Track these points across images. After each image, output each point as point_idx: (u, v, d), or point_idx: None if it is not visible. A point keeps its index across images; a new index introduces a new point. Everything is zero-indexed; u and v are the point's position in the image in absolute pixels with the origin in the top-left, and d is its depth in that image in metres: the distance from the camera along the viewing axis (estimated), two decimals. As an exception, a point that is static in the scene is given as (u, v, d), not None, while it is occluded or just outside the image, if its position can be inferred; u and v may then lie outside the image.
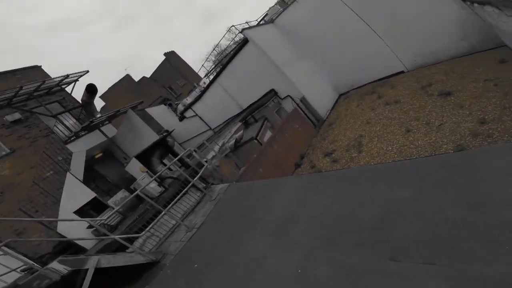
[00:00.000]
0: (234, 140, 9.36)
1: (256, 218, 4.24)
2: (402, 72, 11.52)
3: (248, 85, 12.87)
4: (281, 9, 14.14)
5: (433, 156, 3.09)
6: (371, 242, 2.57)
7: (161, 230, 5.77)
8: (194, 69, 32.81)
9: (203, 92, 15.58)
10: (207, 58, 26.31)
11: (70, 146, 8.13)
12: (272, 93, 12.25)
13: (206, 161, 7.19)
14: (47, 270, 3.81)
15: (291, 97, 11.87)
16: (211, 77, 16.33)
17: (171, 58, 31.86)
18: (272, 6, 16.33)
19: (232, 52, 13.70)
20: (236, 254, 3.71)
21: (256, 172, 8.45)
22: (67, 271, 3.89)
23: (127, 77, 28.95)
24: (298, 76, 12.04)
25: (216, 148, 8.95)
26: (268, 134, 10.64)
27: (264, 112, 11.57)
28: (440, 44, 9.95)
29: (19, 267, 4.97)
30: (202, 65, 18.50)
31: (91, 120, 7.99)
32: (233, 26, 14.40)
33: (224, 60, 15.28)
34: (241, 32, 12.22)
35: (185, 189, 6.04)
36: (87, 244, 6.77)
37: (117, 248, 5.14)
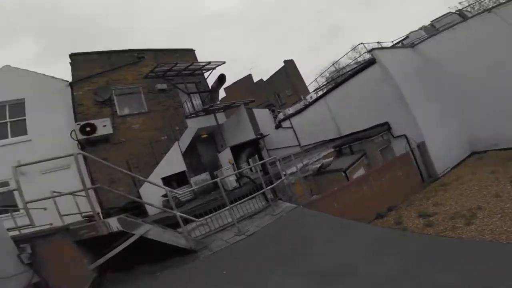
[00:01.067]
0: (320, 165, 8.86)
1: (304, 256, 3.80)
2: None
3: (357, 111, 11.68)
4: (426, 35, 12.30)
5: None
6: None
7: (216, 223, 5.89)
8: (306, 82, 33.30)
9: (307, 106, 15.45)
10: (322, 73, 26.09)
11: (188, 121, 9.78)
12: (384, 127, 10.65)
13: (284, 175, 7.15)
14: (102, 223, 3.93)
15: (406, 138, 10.02)
16: (320, 93, 16.00)
17: (289, 66, 33.17)
18: (415, 31, 14.41)
19: (351, 72, 12.81)
20: (268, 282, 3.36)
21: (329, 205, 7.73)
22: (117, 229, 3.99)
23: (249, 77, 32.38)
24: (424, 116, 10.04)
25: (299, 166, 8.76)
26: (360, 172, 9.49)
27: (365, 146, 10.31)
28: None
29: (86, 212, 5.67)
30: (315, 79, 18.42)
31: (211, 104, 9.35)
32: (361, 43, 13.52)
33: (339, 78, 14.65)
34: (369, 51, 11.21)
35: (255, 194, 6.15)
36: (151, 210, 7.30)
37: (171, 224, 5.15)
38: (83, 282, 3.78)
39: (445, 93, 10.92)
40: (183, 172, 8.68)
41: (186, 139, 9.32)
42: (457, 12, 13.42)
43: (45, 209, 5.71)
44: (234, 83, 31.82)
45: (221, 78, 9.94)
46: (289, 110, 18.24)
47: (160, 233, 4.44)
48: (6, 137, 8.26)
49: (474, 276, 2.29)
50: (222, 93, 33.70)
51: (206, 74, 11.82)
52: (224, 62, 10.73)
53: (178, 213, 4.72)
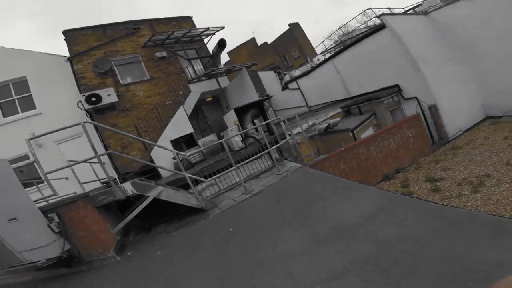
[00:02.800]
0: (327, 124, 8.66)
1: (310, 213, 3.85)
2: None
3: (367, 73, 11.29)
4: (441, 3, 11.59)
5: None
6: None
7: (224, 182, 6.06)
8: (313, 44, 31.72)
9: (314, 68, 14.98)
10: (329, 36, 24.57)
11: (191, 86, 9.68)
12: (394, 89, 10.31)
13: (289, 135, 7.04)
14: (118, 188, 4.13)
15: (417, 100, 9.66)
16: (327, 55, 15.20)
17: (294, 29, 31.77)
18: None
19: (360, 35, 12.15)
20: (268, 239, 3.49)
21: (335, 166, 7.72)
22: (132, 193, 4.22)
23: (252, 40, 31.14)
24: (437, 79, 9.63)
25: (305, 125, 8.59)
26: (368, 132, 9.29)
27: (374, 107, 10.00)
28: None
29: (104, 178, 5.78)
30: (322, 42, 17.42)
31: (212, 69, 9.14)
32: (370, 8, 12.45)
33: (348, 41, 13.81)
34: (378, 16, 10.57)
35: (260, 154, 6.14)
36: (164, 173, 7.49)
37: (182, 185, 5.33)
38: (109, 246, 4.04)
39: (460, 59, 10.41)
40: (191, 134, 8.80)
41: (191, 103, 9.30)
42: None
43: (66, 178, 6.08)
44: (238, 47, 30.62)
45: (221, 43, 9.84)
46: (295, 72, 17.69)
47: (172, 194, 4.62)
48: (17, 112, 8.77)
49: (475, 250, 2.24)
50: (225, 57, 32.58)
51: (206, 40, 11.70)
52: (223, 27, 10.43)
53: (187, 175, 4.82)
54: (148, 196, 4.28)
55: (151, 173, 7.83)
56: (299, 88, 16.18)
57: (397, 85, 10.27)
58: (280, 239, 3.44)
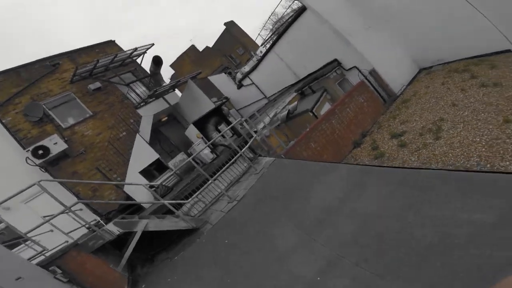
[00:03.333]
0: (286, 111, 8.86)
1: (293, 205, 3.97)
2: (509, 51, 8.55)
3: (307, 54, 11.74)
4: None
5: None
6: (415, 271, 2.02)
7: (208, 196, 6.00)
8: (253, 38, 32.21)
9: (259, 61, 15.22)
10: (264, 26, 25.13)
11: (140, 111, 9.13)
12: (334, 63, 10.89)
13: (255, 132, 7.04)
14: (103, 231, 4.25)
15: (357, 69, 10.34)
16: (268, 46, 15.56)
17: (231, 27, 31.98)
18: None
19: (288, 21, 12.52)
20: (263, 242, 3.60)
21: (307, 147, 7.94)
22: (119, 232, 4.33)
23: (192, 48, 30.48)
24: (367, 46, 10.31)
25: (267, 119, 8.68)
26: (326, 107, 9.72)
27: (323, 83, 10.47)
28: None
29: (88, 223, 5.71)
30: (259, 34, 17.76)
31: (155, 89, 8.70)
32: (288, -9, 12.83)
33: (280, 28, 14.21)
34: None
35: (233, 159, 6.07)
36: (146, 203, 7.33)
37: (169, 210, 5.33)
38: (122, 284, 4.14)
39: (382, 22, 11.05)
40: (158, 159, 8.37)
41: (146, 128, 8.80)
42: None
43: (51, 231, 5.66)
44: (179, 57, 29.84)
45: (156, 60, 9.43)
46: (245, 68, 17.87)
47: (159, 223, 4.74)
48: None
49: (449, 213, 2.35)
50: (170, 72, 31.55)
51: (139, 60, 11.23)
52: (153, 44, 10.03)
53: (166, 202, 4.88)
54: (137, 231, 4.36)
55: (133, 206, 7.62)
56: (253, 83, 16.32)
57: (335, 60, 10.87)
58: (274, 238, 3.51)
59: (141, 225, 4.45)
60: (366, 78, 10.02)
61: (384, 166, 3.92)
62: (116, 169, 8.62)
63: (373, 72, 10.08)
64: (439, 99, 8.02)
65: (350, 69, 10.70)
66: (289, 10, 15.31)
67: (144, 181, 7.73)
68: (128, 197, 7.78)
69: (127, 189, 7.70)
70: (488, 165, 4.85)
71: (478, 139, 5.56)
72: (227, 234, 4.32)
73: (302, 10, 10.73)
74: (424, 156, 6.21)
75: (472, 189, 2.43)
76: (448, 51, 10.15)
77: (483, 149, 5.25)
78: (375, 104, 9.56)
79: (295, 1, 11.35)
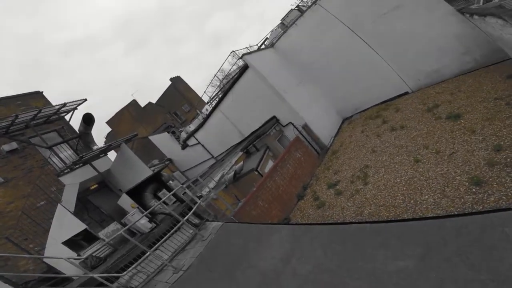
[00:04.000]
0: (233, 172, 8.97)
1: (240, 271, 3.90)
2: (406, 93, 11.23)
3: (250, 112, 12.67)
4: (282, 32, 13.81)
5: (443, 219, 2.61)
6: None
7: (149, 267, 5.41)
8: (200, 94, 33.48)
9: (205, 119, 15.47)
10: (210, 82, 26.69)
11: (63, 179, 7.90)
12: (273, 121, 12.02)
13: (200, 196, 6.80)
14: None
15: (293, 124, 11.59)
16: (214, 103, 16.30)
17: (177, 83, 32.39)
18: (275, 29, 15.79)
19: (233, 78, 13.56)
20: None
21: (256, 206, 7.95)
22: None
23: (134, 103, 29.37)
24: (299, 102, 11.78)
25: (215, 180, 8.56)
26: (270, 164, 10.22)
27: (265, 141, 11.24)
28: (443, 61, 9.75)
29: None
30: (204, 92, 18.69)
31: (81, 155, 7.79)
32: (233, 51, 14.51)
33: (226, 86, 15.32)
34: (241, 57, 12.09)
35: (175, 228, 5.65)
36: (73, 273, 6.21)
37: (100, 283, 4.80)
38: None
39: (309, 79, 13.04)
40: (86, 229, 7.09)
41: (70, 198, 7.55)
42: (297, 8, 15.28)
43: None
44: (118, 113, 28.24)
45: (87, 119, 8.57)
46: (190, 127, 17.79)
47: None
48: None
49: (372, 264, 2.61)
50: (106, 129, 29.24)
51: (68, 117, 10.14)
52: (85, 100, 9.26)
53: (95, 275, 4.48)
54: None
55: (56, 278, 6.28)
56: (199, 142, 16.14)
57: (274, 117, 12.05)
58: None
59: None
60: (301, 133, 11.22)
61: (318, 224, 4.22)
62: (33, 239, 7.26)
63: (305, 127, 11.40)
64: (361, 147, 9.38)
65: (286, 125, 11.87)
66: (235, 67, 16.70)
67: (68, 252, 6.36)
68: (50, 268, 6.49)
69: (47, 259, 6.38)
70: (412, 201, 5.61)
71: (398, 180, 6.51)
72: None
73: (245, 68, 11.86)
74: (358, 200, 6.87)
75: (393, 239, 2.72)
76: (362, 99, 12.34)
77: (404, 188, 6.13)
78: (311, 157, 10.57)
79: (240, 59, 12.55)
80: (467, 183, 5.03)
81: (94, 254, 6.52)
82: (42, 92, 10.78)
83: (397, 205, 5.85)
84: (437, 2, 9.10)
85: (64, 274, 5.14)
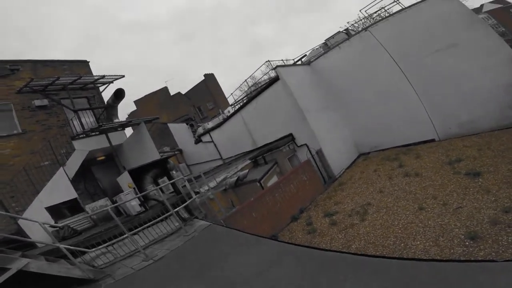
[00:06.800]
0: (236, 178, 8.93)
1: (210, 274, 3.79)
2: (433, 140, 10.67)
3: (268, 124, 12.63)
4: (323, 52, 13.72)
5: (425, 262, 2.47)
6: None
7: (121, 250, 5.34)
8: (226, 96, 34.14)
9: (225, 120, 15.71)
10: (239, 86, 27.01)
11: (75, 143, 8.24)
12: (289, 138, 11.90)
13: (198, 193, 6.78)
14: None
15: (307, 147, 11.40)
16: (237, 107, 16.54)
17: (209, 80, 33.23)
18: (316, 48, 15.36)
19: (262, 87, 13.66)
20: None
21: (248, 216, 7.81)
22: None
23: (164, 89, 30.40)
24: (320, 126, 11.60)
25: (217, 180, 8.57)
26: (274, 180, 10.06)
27: (276, 156, 11.13)
28: (483, 112, 9.07)
29: None
30: (231, 94, 19.05)
31: (101, 124, 8.15)
32: (268, 61, 14.67)
33: (253, 93, 15.46)
34: (274, 68, 12.15)
35: (162, 217, 5.63)
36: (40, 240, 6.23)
37: (72, 253, 4.76)
38: None
39: (336, 105, 12.85)
40: (75, 199, 7.26)
41: (74, 164, 7.82)
42: (345, 31, 14.60)
43: None
44: (147, 96, 29.41)
45: (118, 93, 8.98)
46: (208, 124, 18.08)
47: (45, 266, 4.11)
48: None
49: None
50: (131, 107, 30.45)
51: (102, 88, 10.81)
52: (123, 76, 9.90)
53: (61, 245, 4.34)
54: (10, 269, 3.66)
55: (22, 242, 5.98)
56: (212, 141, 16.32)
57: (290, 134, 11.88)
58: None
59: (19, 264, 3.77)
60: (313, 157, 10.99)
61: (303, 246, 4.04)
62: (20, 198, 7.39)
63: (319, 152, 11.16)
64: (370, 185, 9.08)
65: (301, 145, 11.68)
66: (265, 77, 16.77)
67: (48, 217, 6.50)
68: (20, 230, 6.47)
69: (22, 221, 6.44)
70: (402, 244, 5.48)
71: (396, 223, 6.33)
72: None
73: (275, 79, 11.86)
74: (350, 234, 6.68)
75: (367, 274, 2.63)
76: (385, 138, 11.91)
77: (399, 231, 5.96)
78: (316, 183, 10.28)
79: (273, 70, 12.64)
80: (462, 236, 4.89)
81: (71, 225, 6.54)
82: (89, 62, 11.61)
83: (386, 246, 5.65)
84: (498, 46, 8.54)
85: (30, 239, 5.06)
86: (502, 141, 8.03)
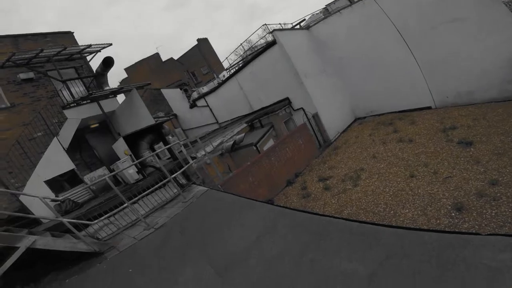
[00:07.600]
0: (233, 142, 8.95)
1: (209, 244, 3.88)
2: (429, 108, 10.63)
3: (265, 88, 12.43)
4: (323, 17, 13.32)
5: (413, 231, 2.54)
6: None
7: (123, 220, 5.43)
8: (221, 60, 32.80)
9: (220, 84, 15.35)
10: (234, 50, 25.91)
11: (67, 112, 8.07)
12: (285, 102, 11.74)
13: (194, 158, 6.83)
14: None
15: (304, 110, 11.30)
16: (233, 71, 15.94)
17: (203, 45, 31.88)
18: (316, 13, 15.15)
19: (258, 51, 13.13)
20: (170, 281, 3.37)
21: (245, 181, 8.02)
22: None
23: (156, 56, 29.16)
24: (316, 91, 11.44)
25: (214, 145, 8.59)
26: (270, 143, 10.14)
27: (272, 119, 11.07)
28: (482, 83, 8.99)
29: None
30: (226, 58, 18.19)
31: (90, 92, 7.86)
32: (265, 24, 13.78)
33: (249, 57, 14.84)
34: (271, 32, 11.61)
35: (160, 184, 5.71)
36: (44, 215, 6.30)
37: (75, 227, 4.83)
38: None
39: (333, 70, 12.59)
40: (72, 170, 7.31)
41: (68, 133, 7.71)
42: None
43: None
44: (138, 63, 28.23)
45: (107, 61, 8.61)
46: (203, 88, 17.66)
47: (51, 241, 4.19)
48: None
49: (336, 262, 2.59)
50: (122, 74, 29.37)
51: (90, 58, 10.27)
52: (111, 44, 9.30)
53: (64, 219, 4.34)
54: (19, 247, 3.77)
55: (25, 219, 6.27)
56: (207, 105, 16.20)
57: (287, 98, 11.71)
58: (183, 276, 3.33)
59: (27, 241, 3.87)
60: (309, 121, 10.96)
61: (298, 210, 4.14)
62: (18, 174, 7.39)
63: (315, 116, 11.11)
64: (364, 150, 9.20)
65: (297, 109, 11.61)
66: (262, 41, 16.04)
67: (48, 192, 6.60)
68: (23, 207, 6.59)
69: (24, 197, 6.53)
70: (392, 212, 5.67)
71: (387, 189, 6.51)
72: (132, 264, 3.99)
73: (272, 43, 11.44)
74: (343, 199, 6.93)
75: (358, 240, 2.72)
76: (381, 103, 11.88)
77: (390, 198, 6.17)
78: (311, 148, 10.40)
79: (270, 34, 12.07)
80: (449, 207, 5.05)
81: (72, 198, 6.60)
82: (73, 33, 10.84)
83: (376, 212, 5.87)
84: (506, 23, 8.09)
85: (33, 215, 5.10)
86: (498, 112, 7.92)
